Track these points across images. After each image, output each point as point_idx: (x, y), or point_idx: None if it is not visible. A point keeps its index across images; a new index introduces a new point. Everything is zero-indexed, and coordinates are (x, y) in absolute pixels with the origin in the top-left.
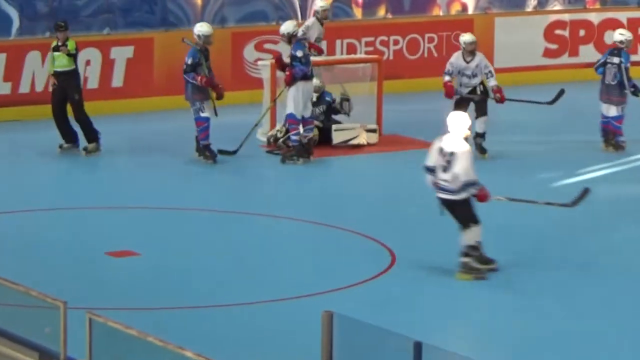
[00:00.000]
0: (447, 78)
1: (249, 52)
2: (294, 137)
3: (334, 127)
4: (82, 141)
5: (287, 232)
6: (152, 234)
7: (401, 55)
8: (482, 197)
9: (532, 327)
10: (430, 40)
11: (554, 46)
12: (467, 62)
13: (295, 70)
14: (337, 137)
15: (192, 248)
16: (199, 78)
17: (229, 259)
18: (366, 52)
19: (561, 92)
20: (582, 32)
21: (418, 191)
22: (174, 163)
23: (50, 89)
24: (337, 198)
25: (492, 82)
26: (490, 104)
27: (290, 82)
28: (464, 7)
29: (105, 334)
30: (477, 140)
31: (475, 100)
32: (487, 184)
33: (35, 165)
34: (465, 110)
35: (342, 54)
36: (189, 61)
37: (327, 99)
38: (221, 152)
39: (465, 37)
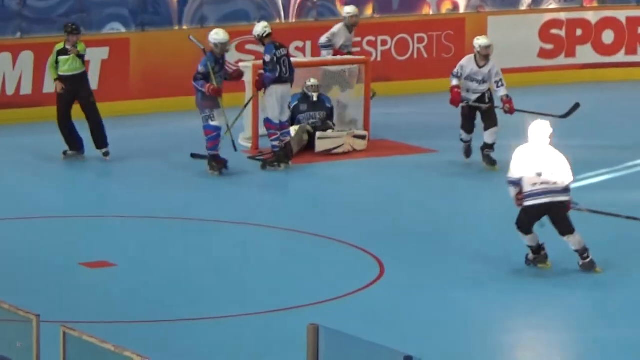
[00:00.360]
0: (454, 82)
1: (230, 53)
2: (274, 143)
3: (317, 134)
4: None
5: (271, 241)
6: (129, 243)
7: (389, 56)
8: (568, 206)
9: (523, 344)
10: (420, 40)
11: (549, 46)
12: (480, 67)
13: (265, 75)
14: (320, 146)
15: (170, 258)
16: (207, 86)
17: (209, 270)
18: (353, 53)
19: (576, 106)
20: (579, 32)
21: (408, 198)
22: (153, 169)
23: (51, 91)
24: (323, 206)
25: (502, 92)
26: (498, 112)
27: (259, 87)
28: (455, 6)
29: (80, 349)
30: (486, 151)
31: (483, 109)
32: (494, 193)
33: (9, 170)
34: (473, 120)
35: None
36: (200, 69)
37: (328, 105)
38: (194, 156)
39: (481, 41)
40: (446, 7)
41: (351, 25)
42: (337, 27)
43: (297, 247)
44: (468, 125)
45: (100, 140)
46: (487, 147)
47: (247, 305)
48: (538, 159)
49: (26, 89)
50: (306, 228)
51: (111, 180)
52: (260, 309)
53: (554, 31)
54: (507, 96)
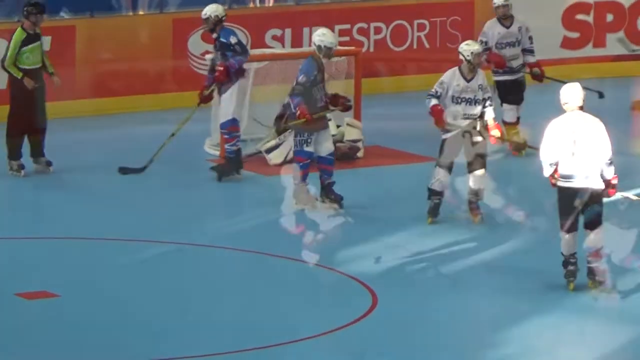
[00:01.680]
0: (434, 102)
1: (195, 43)
2: (232, 148)
3: (346, 120)
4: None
5: (245, 267)
6: (74, 270)
7: (384, 46)
8: (610, 192)
9: None
10: (421, 27)
11: (574, 35)
12: (468, 81)
13: (231, 63)
14: (349, 134)
15: (124, 288)
16: (300, 109)
17: (171, 302)
18: (340, 43)
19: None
20: (609, 17)
21: (405, 215)
22: (103, 182)
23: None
24: (307, 226)
25: (489, 113)
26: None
27: (224, 78)
28: None
29: None
30: (471, 197)
31: (472, 141)
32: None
33: None
34: (457, 153)
35: (309, 45)
36: (303, 79)
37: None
38: (124, 170)
39: (473, 47)
40: None
41: (502, 17)
42: (487, 25)
43: (277, 274)
44: (448, 158)
45: (40, 148)
46: (474, 193)
47: (219, 344)
48: (574, 132)
49: None
50: (287, 252)
51: (53, 195)
52: (233, 347)
53: (579, 17)
54: (495, 119)
